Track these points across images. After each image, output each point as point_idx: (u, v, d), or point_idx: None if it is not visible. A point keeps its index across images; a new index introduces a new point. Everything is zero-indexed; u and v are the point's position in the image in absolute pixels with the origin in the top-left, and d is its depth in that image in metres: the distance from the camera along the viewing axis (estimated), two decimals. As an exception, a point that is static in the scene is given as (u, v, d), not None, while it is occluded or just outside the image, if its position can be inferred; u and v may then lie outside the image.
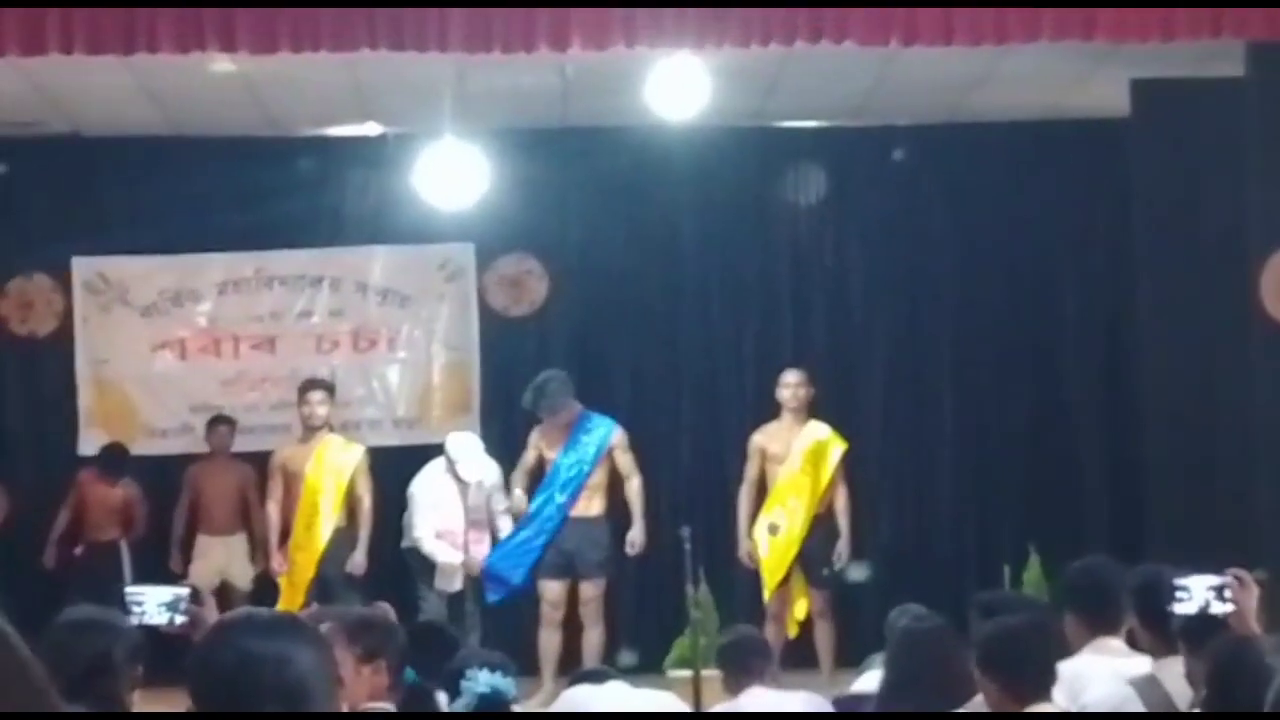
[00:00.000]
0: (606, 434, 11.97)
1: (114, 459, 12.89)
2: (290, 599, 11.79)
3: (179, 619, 4.69)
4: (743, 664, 7.17)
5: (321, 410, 12.24)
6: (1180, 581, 5.66)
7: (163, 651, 4.95)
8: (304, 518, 12.13)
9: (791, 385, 12.24)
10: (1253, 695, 4.42)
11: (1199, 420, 11.63)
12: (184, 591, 4.79)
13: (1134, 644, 6.02)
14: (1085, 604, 6.01)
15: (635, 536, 11.97)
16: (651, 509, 12.41)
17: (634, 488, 12.01)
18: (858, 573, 12.60)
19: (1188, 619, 5.52)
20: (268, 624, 3.12)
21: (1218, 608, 5.63)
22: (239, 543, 12.80)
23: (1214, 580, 5.62)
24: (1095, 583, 6.10)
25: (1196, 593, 5.62)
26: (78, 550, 12.72)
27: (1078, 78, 11.98)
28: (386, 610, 6.54)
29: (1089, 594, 6.05)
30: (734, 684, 7.16)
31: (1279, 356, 10.74)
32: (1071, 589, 6.18)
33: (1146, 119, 12.08)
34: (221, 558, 12.75)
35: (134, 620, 4.81)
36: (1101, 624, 5.97)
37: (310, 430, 12.28)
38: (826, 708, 7.11)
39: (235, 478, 12.85)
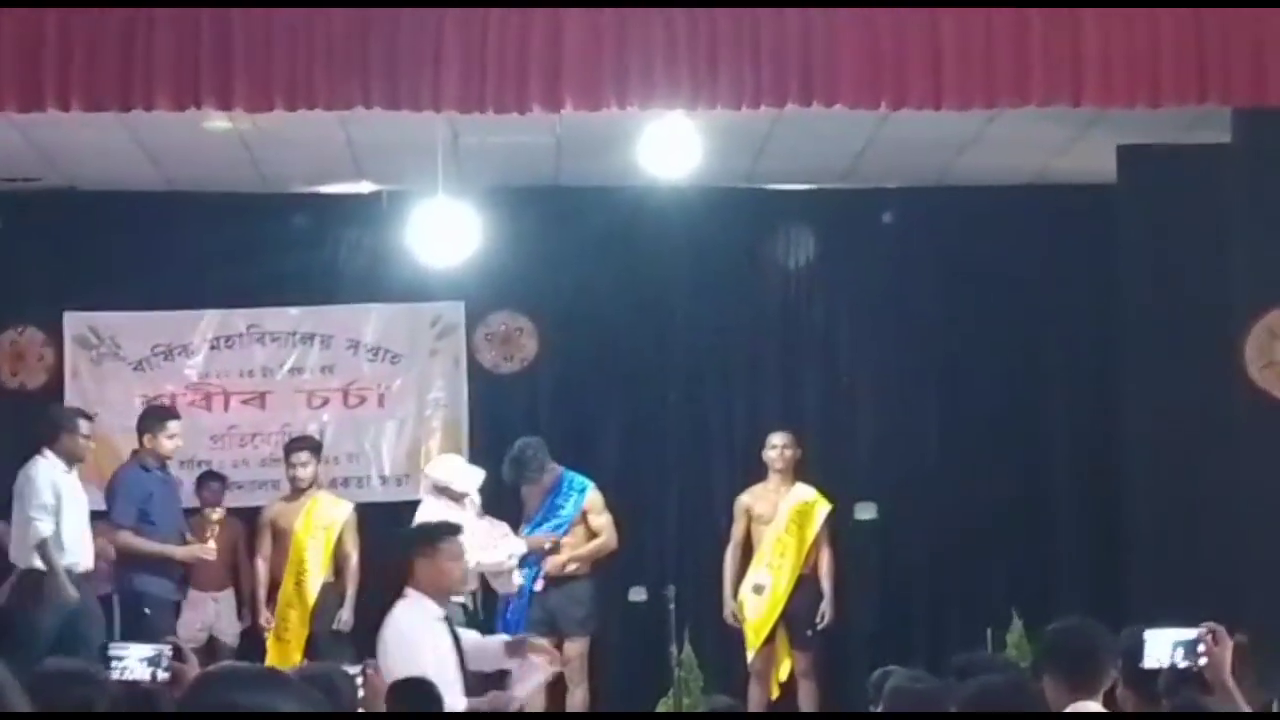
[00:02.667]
0: (580, 498, 12.00)
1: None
2: (283, 655, 11.81)
3: (161, 674, 4.73)
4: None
5: (304, 472, 12.31)
6: (1147, 634, 5.73)
7: (143, 707, 4.98)
8: (293, 574, 12.19)
9: (778, 446, 12.31)
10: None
11: (1183, 484, 11.67)
12: (166, 648, 4.83)
13: (1112, 706, 6.05)
14: (1065, 666, 6.02)
15: (555, 558, 11.87)
16: (636, 568, 12.45)
17: (599, 540, 11.99)
18: (865, 512, 12.82)
19: (1169, 678, 5.58)
20: (252, 677, 3.15)
21: (1184, 661, 5.69)
22: (227, 598, 12.80)
23: (1187, 634, 5.68)
24: (1075, 644, 6.11)
25: (1161, 646, 5.69)
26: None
27: (1065, 143, 12.07)
28: (375, 668, 6.56)
29: (1069, 656, 6.07)
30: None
31: (1262, 421, 10.78)
32: (1051, 651, 6.20)
33: (1133, 184, 12.16)
34: (210, 613, 12.75)
35: (115, 675, 4.84)
36: (1081, 686, 5.99)
37: (297, 490, 12.36)
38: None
39: (226, 534, 12.86)
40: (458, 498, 11.85)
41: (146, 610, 11.31)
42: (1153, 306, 12.03)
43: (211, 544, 11.84)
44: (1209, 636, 5.70)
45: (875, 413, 13.62)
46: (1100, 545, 13.17)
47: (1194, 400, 11.58)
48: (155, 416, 11.89)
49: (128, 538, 11.51)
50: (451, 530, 8.11)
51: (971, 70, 9.15)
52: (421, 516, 11.89)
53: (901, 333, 13.61)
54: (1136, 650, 5.73)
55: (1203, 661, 5.67)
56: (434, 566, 7.84)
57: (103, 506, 12.01)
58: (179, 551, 11.61)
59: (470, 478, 11.86)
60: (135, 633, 10.90)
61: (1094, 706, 5.99)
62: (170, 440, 11.76)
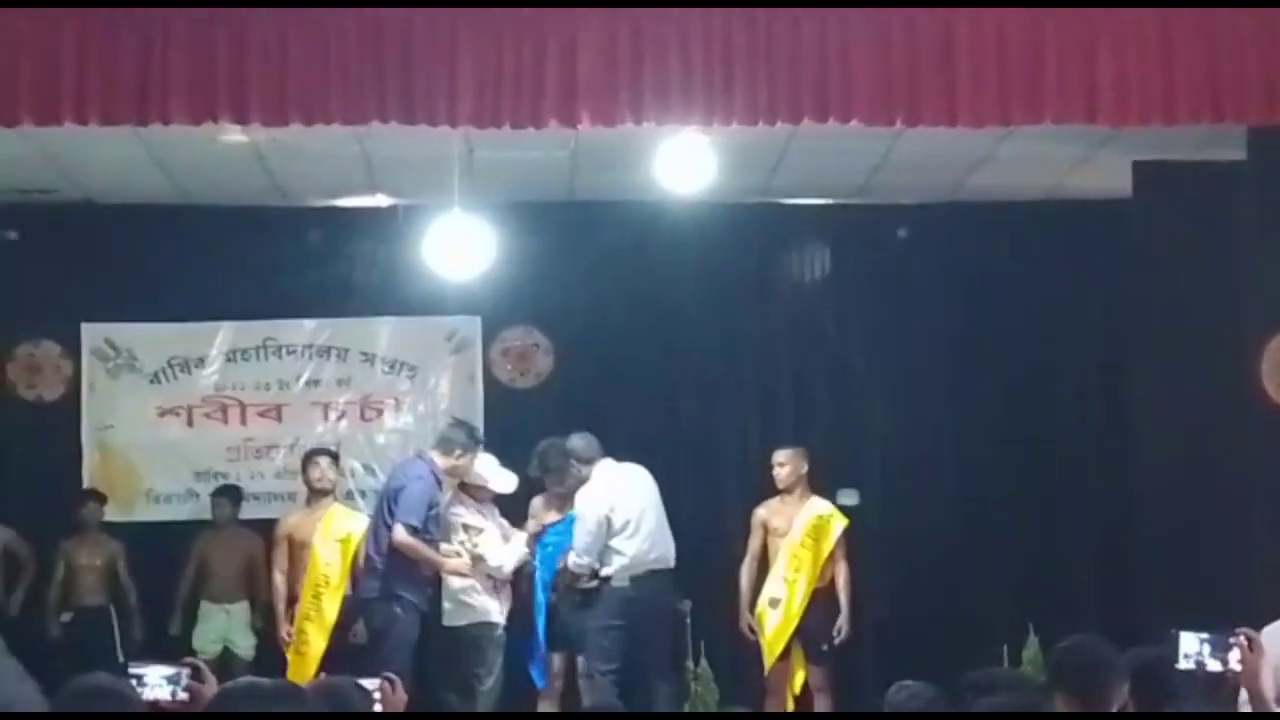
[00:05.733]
0: None
1: (96, 498, 12.94)
2: (302, 669, 11.78)
3: (180, 694, 4.75)
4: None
5: (331, 474, 12.33)
6: (1182, 635, 5.76)
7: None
8: (311, 587, 12.15)
9: (778, 464, 12.30)
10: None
11: (1196, 499, 11.66)
12: (185, 669, 4.86)
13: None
14: (1075, 683, 6.01)
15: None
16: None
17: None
18: (848, 498, 12.78)
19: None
20: (269, 694, 3.17)
21: (1213, 665, 5.72)
22: (240, 610, 12.84)
23: (1219, 638, 5.73)
24: (1084, 662, 6.11)
25: (1194, 646, 5.73)
26: (65, 617, 12.72)
27: (1080, 159, 12.08)
28: (392, 682, 6.55)
29: (1079, 673, 6.06)
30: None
31: (1276, 437, 10.79)
32: (1060, 669, 6.19)
33: (1148, 201, 12.16)
34: (223, 625, 12.79)
35: (134, 694, 4.85)
36: (1093, 703, 5.99)
37: (317, 494, 12.33)
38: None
39: (242, 547, 12.90)
40: (483, 498, 11.83)
41: (399, 610, 11.34)
42: (1167, 322, 12.02)
43: (467, 559, 11.67)
44: (1244, 643, 5.72)
45: (888, 427, 13.62)
46: (1114, 559, 13.16)
47: (1208, 416, 11.58)
48: (475, 439, 11.76)
49: (413, 540, 11.35)
50: None
51: (986, 88, 9.17)
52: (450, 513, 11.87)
53: (915, 348, 13.61)
54: (1154, 674, 5.75)
55: (1236, 668, 5.70)
56: None
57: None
58: (449, 564, 11.49)
59: (508, 480, 11.84)
60: (383, 628, 11.29)
61: (1108, 722, 6.00)
62: (471, 467, 11.73)
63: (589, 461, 11.59)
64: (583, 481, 11.61)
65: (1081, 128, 9.67)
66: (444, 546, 11.57)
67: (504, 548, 11.70)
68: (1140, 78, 9.12)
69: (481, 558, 11.58)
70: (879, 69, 9.18)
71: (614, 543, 11.37)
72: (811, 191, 13.28)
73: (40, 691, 3.48)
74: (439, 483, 11.56)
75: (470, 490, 11.79)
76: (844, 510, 12.50)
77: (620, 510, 11.39)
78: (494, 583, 11.70)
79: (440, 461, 11.59)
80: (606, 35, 9.13)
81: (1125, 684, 6.05)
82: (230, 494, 13.08)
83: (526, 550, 11.76)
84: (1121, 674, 6.03)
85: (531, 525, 11.99)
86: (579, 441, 11.69)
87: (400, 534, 11.35)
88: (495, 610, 11.67)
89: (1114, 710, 6.05)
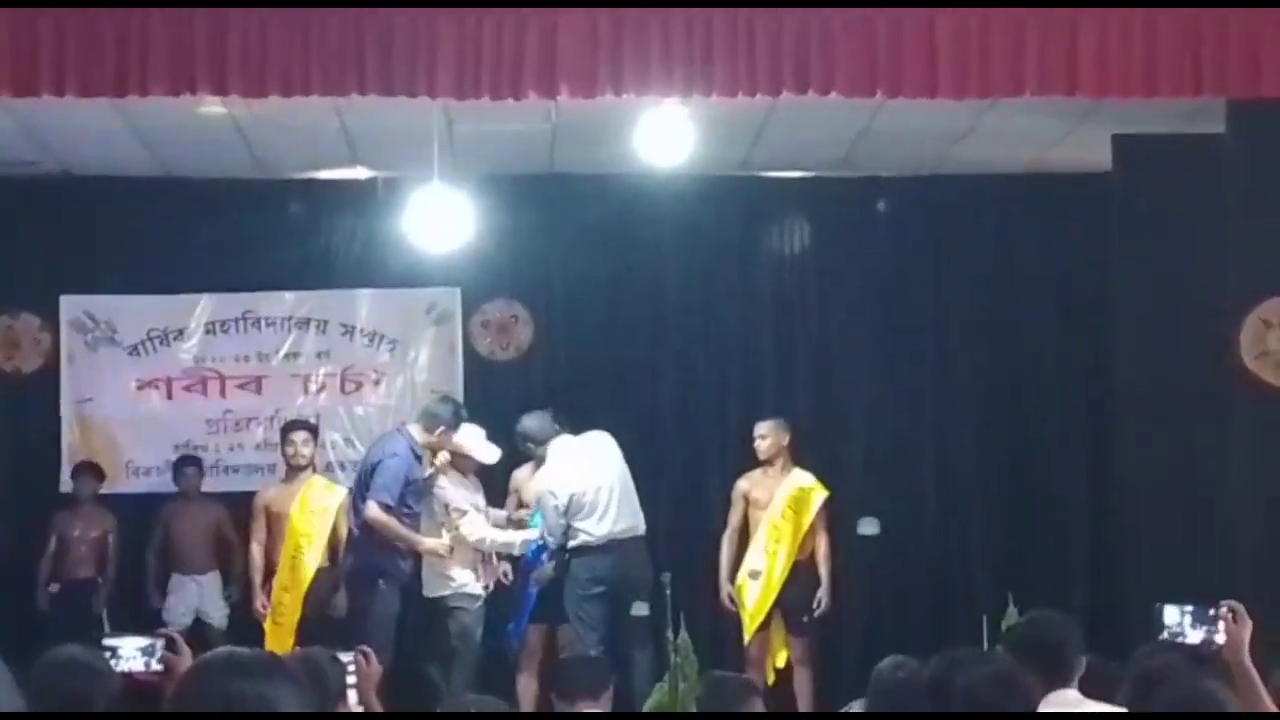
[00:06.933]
0: None
1: (92, 472, 12.92)
2: (279, 640, 11.79)
3: (154, 665, 4.73)
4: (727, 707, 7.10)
5: (306, 450, 12.33)
6: (1166, 608, 5.76)
7: (140, 699, 4.98)
8: (288, 559, 12.19)
9: (759, 436, 12.31)
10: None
11: (1178, 472, 11.68)
12: (160, 640, 4.84)
13: (1088, 693, 6.07)
14: (1037, 659, 6.02)
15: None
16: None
17: None
18: (869, 527, 12.80)
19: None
20: (248, 664, 3.14)
21: (1194, 637, 5.71)
22: (212, 581, 12.83)
23: (1202, 610, 5.72)
24: (1044, 637, 6.11)
25: (1176, 618, 5.73)
26: (53, 588, 12.71)
27: (1061, 133, 12.07)
28: (367, 654, 6.55)
29: (1039, 649, 6.07)
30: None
31: (1256, 409, 10.80)
32: (1021, 645, 6.20)
33: (1128, 174, 12.17)
34: (194, 596, 12.78)
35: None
36: (1055, 677, 6.00)
37: (294, 470, 12.37)
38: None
39: (207, 517, 12.88)
40: (467, 468, 11.83)
41: (381, 583, 11.40)
42: (1147, 296, 12.03)
43: (448, 541, 11.68)
44: (1229, 615, 5.71)
45: (868, 400, 13.62)
46: (1096, 532, 13.19)
47: (1189, 388, 11.60)
48: (459, 417, 11.78)
49: (385, 518, 11.39)
50: None
51: (967, 60, 9.15)
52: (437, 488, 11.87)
53: (895, 320, 13.62)
54: (1154, 623, 5.77)
55: (1220, 640, 5.69)
56: None
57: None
58: (425, 544, 11.53)
59: (492, 451, 11.84)
60: (366, 601, 11.36)
61: (1072, 694, 6.00)
62: (455, 441, 11.72)
63: (542, 442, 11.63)
64: (541, 462, 11.64)
65: (1063, 100, 9.66)
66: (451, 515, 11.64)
67: (487, 527, 11.72)
68: (1121, 50, 9.11)
69: (461, 539, 11.60)
70: (859, 40, 9.16)
71: (575, 522, 11.39)
72: (792, 164, 13.26)
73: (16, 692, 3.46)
74: (418, 458, 11.56)
75: (455, 460, 11.79)
76: (865, 539, 12.60)
77: (576, 490, 11.39)
78: (477, 555, 11.73)
79: (420, 437, 11.60)
80: (588, 6, 9.10)
81: (1083, 658, 6.07)
82: (196, 463, 13.06)
83: (526, 539, 11.74)
84: (1079, 645, 6.04)
85: (514, 499, 12.02)
86: (530, 422, 11.75)
87: (373, 511, 11.37)
88: (475, 582, 11.69)
89: (1073, 682, 6.05)
